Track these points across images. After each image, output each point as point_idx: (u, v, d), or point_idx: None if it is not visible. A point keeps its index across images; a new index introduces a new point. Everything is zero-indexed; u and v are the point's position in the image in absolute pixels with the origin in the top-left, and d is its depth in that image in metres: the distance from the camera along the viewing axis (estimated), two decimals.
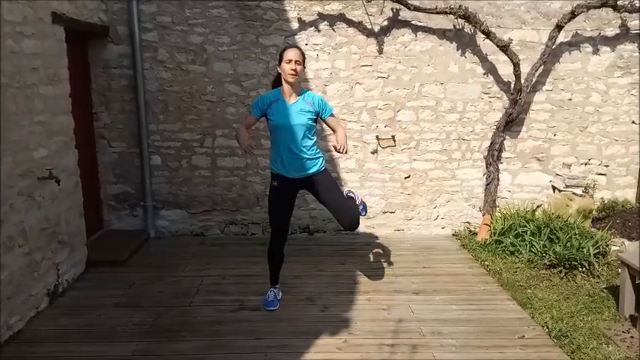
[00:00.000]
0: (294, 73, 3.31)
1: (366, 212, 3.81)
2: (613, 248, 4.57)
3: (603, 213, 5.23)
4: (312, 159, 3.44)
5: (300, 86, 3.50)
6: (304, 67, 3.46)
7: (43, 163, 3.55)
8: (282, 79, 3.40)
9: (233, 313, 3.55)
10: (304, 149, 3.40)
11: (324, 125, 3.94)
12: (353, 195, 3.82)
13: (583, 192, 5.11)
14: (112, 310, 3.58)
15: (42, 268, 3.54)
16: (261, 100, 3.46)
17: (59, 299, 3.72)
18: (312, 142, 3.46)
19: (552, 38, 4.90)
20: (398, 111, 5.13)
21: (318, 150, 3.53)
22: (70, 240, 3.96)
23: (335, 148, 3.40)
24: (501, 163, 5.28)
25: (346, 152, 3.44)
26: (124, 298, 3.78)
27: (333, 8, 4.89)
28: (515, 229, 4.75)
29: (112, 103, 4.90)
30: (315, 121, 3.47)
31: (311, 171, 3.44)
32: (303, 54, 3.39)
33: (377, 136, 5.14)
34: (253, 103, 3.50)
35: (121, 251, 4.54)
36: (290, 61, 3.31)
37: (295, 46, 3.44)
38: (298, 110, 3.38)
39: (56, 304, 3.65)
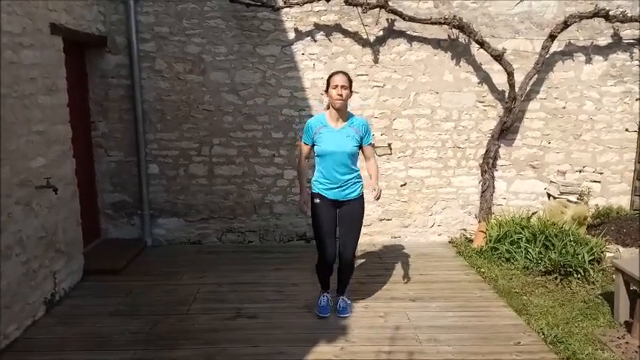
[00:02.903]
0: (340, 98, 3.33)
1: (347, 313, 3.71)
2: (608, 255, 4.59)
3: (598, 220, 5.27)
4: (352, 184, 3.50)
5: (347, 111, 3.49)
6: (351, 92, 3.45)
7: (40, 172, 3.57)
8: (330, 105, 3.42)
9: (230, 321, 3.56)
10: (347, 175, 3.45)
11: None
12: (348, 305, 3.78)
13: (578, 199, 5.15)
14: (109, 318, 3.59)
15: (39, 276, 3.54)
16: (309, 128, 3.49)
17: (56, 308, 3.72)
18: (355, 168, 3.51)
19: (546, 48, 4.97)
20: (394, 119, 5.18)
21: (360, 176, 3.57)
22: (67, 249, 3.97)
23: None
24: (496, 170, 5.33)
25: (378, 199, 3.55)
26: (121, 306, 3.78)
27: (329, 19, 4.95)
28: (511, 236, 4.78)
29: (110, 112, 4.93)
30: (360, 147, 3.50)
31: (348, 197, 3.49)
32: (349, 79, 3.40)
33: (373, 144, 5.18)
34: (304, 130, 3.55)
35: (118, 260, 4.55)
36: (337, 86, 3.32)
37: (342, 71, 3.47)
38: (345, 137, 3.41)
39: (53, 313, 3.65)
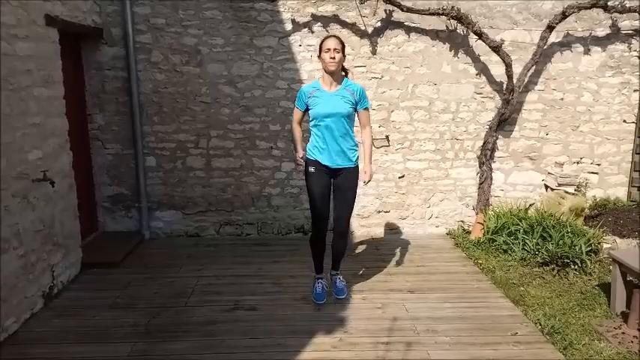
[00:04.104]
0: (333, 61, 3.34)
1: (344, 294, 3.80)
2: (605, 246, 4.61)
3: (595, 211, 5.28)
4: (349, 150, 3.50)
5: (341, 75, 3.51)
6: (344, 55, 3.46)
7: (37, 165, 3.55)
8: (323, 69, 3.43)
9: (228, 313, 3.57)
10: (343, 138, 3.46)
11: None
12: (342, 282, 3.85)
13: (575, 190, 5.16)
14: (107, 311, 3.59)
15: (37, 269, 3.54)
16: (302, 93, 3.51)
17: (54, 301, 3.73)
18: (351, 132, 3.52)
19: (544, 39, 4.95)
20: (392, 111, 5.16)
21: (356, 142, 3.57)
22: (65, 242, 3.96)
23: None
24: (494, 162, 5.33)
25: (367, 182, 3.63)
26: (119, 299, 3.78)
27: (326, 10, 4.91)
28: (509, 228, 4.79)
29: (107, 104, 4.90)
30: (355, 110, 3.51)
31: (345, 164, 3.51)
32: (342, 42, 3.41)
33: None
34: (297, 97, 3.57)
35: (116, 252, 4.55)
36: (329, 49, 3.33)
37: (334, 35, 3.49)
38: (340, 98, 3.42)
39: (51, 306, 3.65)
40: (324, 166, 3.50)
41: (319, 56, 3.44)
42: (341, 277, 3.86)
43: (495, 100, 5.21)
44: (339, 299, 3.75)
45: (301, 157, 3.60)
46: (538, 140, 5.34)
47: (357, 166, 3.61)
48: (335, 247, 3.75)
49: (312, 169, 3.53)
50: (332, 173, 3.54)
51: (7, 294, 3.18)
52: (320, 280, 3.77)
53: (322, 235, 3.65)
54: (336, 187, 3.58)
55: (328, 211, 3.63)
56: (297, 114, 3.61)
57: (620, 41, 5.18)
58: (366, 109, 3.57)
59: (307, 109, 3.53)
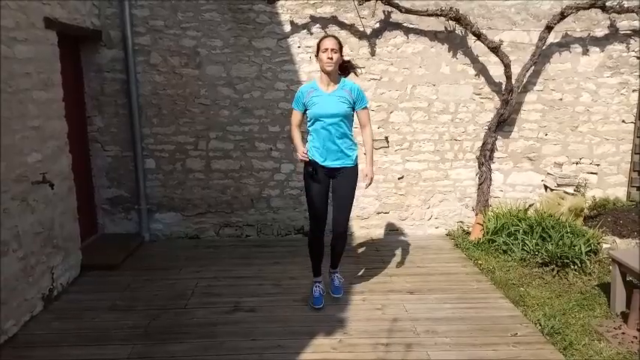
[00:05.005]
0: (331, 62, 3.34)
1: (340, 293, 3.81)
2: (604, 246, 4.61)
3: (595, 211, 5.28)
4: (348, 149, 3.50)
5: (338, 75, 3.51)
6: (342, 56, 3.46)
7: (36, 167, 3.55)
8: (320, 69, 3.43)
9: (228, 315, 3.57)
10: (342, 138, 3.45)
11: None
12: (340, 281, 3.87)
13: (574, 191, 5.16)
14: (107, 313, 3.59)
15: (36, 272, 3.54)
16: (300, 94, 3.50)
17: (54, 303, 3.72)
18: (350, 132, 3.52)
19: (542, 39, 4.96)
20: (391, 112, 5.17)
21: (354, 142, 3.57)
22: (65, 244, 3.96)
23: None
24: (493, 163, 5.33)
25: (369, 184, 3.60)
26: (118, 301, 3.78)
27: (325, 11, 4.92)
28: (508, 228, 4.79)
29: (106, 107, 4.91)
30: (353, 110, 3.50)
31: (344, 164, 3.50)
32: (339, 42, 3.41)
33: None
34: (294, 99, 3.55)
35: (116, 255, 4.55)
36: (326, 50, 3.33)
37: (332, 35, 3.51)
38: (337, 98, 3.41)
39: (51, 308, 3.65)
40: (322, 166, 3.49)
41: (317, 56, 3.44)
42: (339, 276, 3.87)
43: (494, 101, 5.21)
44: (335, 298, 3.75)
45: (304, 152, 3.46)
46: (537, 141, 5.34)
47: (357, 166, 3.60)
48: (334, 247, 3.74)
49: (310, 169, 3.52)
50: (330, 173, 3.53)
51: (6, 296, 3.18)
52: (318, 284, 3.74)
53: (320, 235, 3.64)
54: (334, 186, 3.57)
55: (326, 211, 3.63)
56: (295, 116, 3.58)
57: (619, 41, 5.18)
58: (365, 108, 3.55)
59: (306, 110, 3.53)
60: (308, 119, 3.53)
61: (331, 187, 3.60)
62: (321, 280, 3.79)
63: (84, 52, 4.78)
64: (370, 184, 3.65)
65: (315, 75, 4.96)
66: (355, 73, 3.65)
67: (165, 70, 4.90)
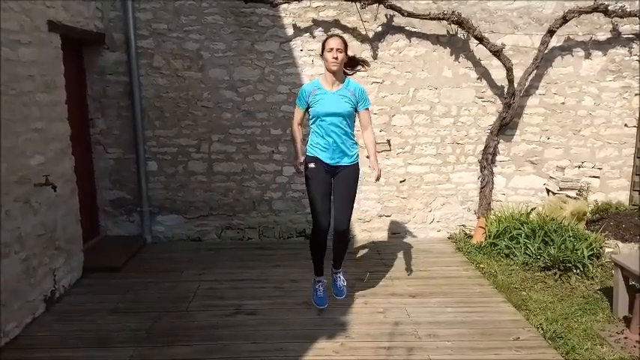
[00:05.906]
0: (335, 61, 3.35)
1: (343, 295, 3.81)
2: (607, 250, 4.60)
3: (597, 215, 5.27)
4: (349, 148, 3.51)
5: (343, 75, 3.51)
6: (347, 55, 3.47)
7: (39, 169, 3.56)
8: (325, 68, 3.44)
9: (230, 318, 3.56)
10: (343, 137, 3.46)
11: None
12: (343, 282, 3.85)
13: (577, 194, 5.16)
14: (108, 315, 3.59)
15: (38, 274, 3.54)
16: (303, 92, 3.51)
17: (56, 305, 3.73)
18: (351, 131, 3.52)
19: (545, 43, 4.96)
20: (393, 115, 5.17)
21: (355, 142, 3.58)
22: (67, 246, 3.97)
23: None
24: (495, 166, 5.32)
25: (378, 179, 3.57)
26: (120, 303, 3.78)
27: (327, 15, 4.93)
28: (510, 232, 4.78)
29: (108, 109, 4.92)
30: (356, 110, 3.51)
31: (344, 162, 3.50)
32: (344, 41, 3.42)
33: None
34: (298, 96, 3.56)
35: (118, 257, 4.55)
36: (331, 49, 3.34)
37: (337, 34, 3.53)
38: (340, 97, 3.42)
39: (53, 310, 3.65)
40: (323, 163, 3.49)
41: (321, 55, 3.45)
42: (342, 277, 3.84)
43: (496, 105, 5.21)
44: (338, 299, 3.73)
45: (301, 164, 3.56)
46: (539, 144, 5.34)
47: (357, 164, 3.60)
48: (336, 247, 3.71)
49: (311, 165, 3.50)
50: (331, 171, 3.53)
51: (8, 298, 3.19)
52: (320, 284, 3.73)
53: (323, 233, 3.59)
54: (335, 184, 3.56)
55: (329, 208, 3.59)
56: (297, 113, 3.59)
57: (621, 45, 5.18)
58: (367, 109, 3.56)
59: (308, 108, 3.53)
60: (310, 117, 3.54)
61: (332, 187, 3.60)
62: (322, 279, 3.76)
63: (87, 54, 4.80)
64: (379, 177, 3.58)
65: (316, 78, 4.96)
66: (363, 66, 3.64)
67: (168, 72, 4.92)
